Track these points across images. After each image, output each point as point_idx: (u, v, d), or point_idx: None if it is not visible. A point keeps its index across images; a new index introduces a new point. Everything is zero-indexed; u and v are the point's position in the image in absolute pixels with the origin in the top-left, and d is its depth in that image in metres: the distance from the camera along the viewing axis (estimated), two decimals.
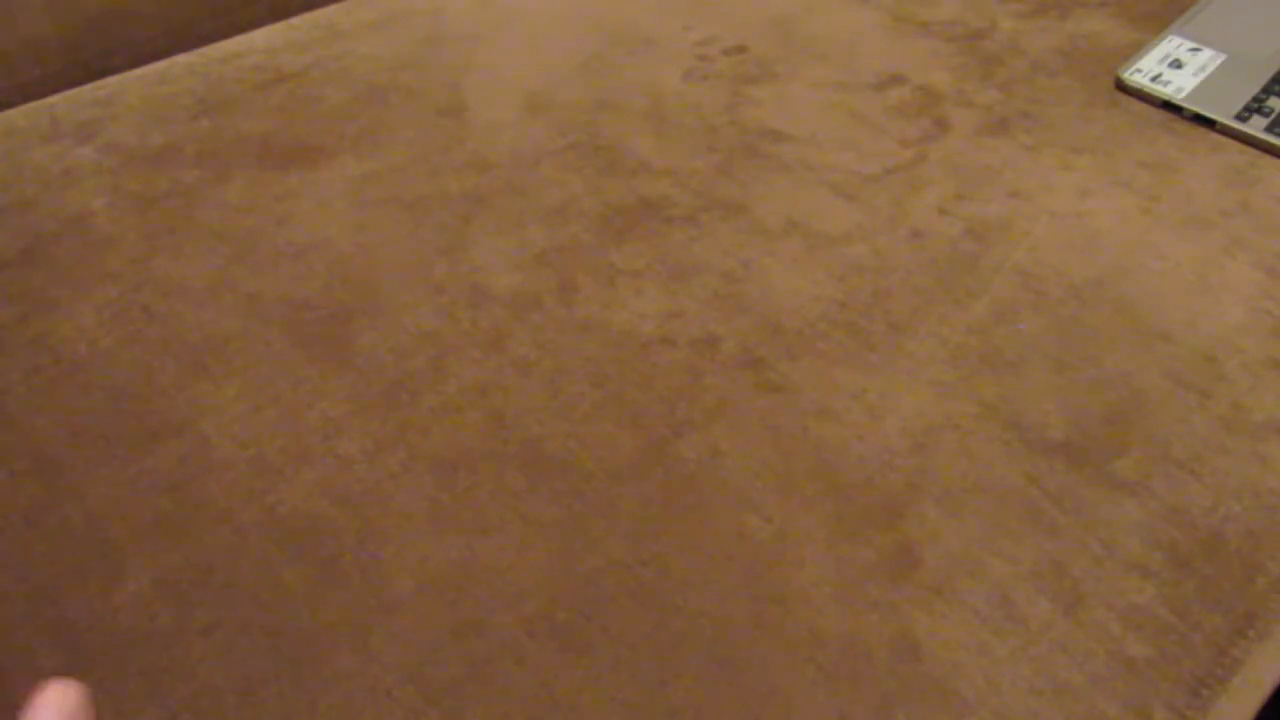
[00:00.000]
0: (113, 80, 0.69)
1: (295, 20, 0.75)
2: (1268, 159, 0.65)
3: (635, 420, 0.49)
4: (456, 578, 0.43)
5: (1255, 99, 0.68)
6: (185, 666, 0.40)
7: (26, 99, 0.67)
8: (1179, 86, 0.69)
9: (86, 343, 0.52)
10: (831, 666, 0.41)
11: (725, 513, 0.46)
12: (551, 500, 0.46)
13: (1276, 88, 0.69)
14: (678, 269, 0.57)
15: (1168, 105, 0.69)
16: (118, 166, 0.61)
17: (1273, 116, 0.67)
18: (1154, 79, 0.70)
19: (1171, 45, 0.74)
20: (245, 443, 0.47)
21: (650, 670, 0.41)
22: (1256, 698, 0.43)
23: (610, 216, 0.59)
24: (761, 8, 0.77)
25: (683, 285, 0.56)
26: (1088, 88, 0.71)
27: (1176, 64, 0.72)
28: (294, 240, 0.57)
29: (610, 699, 0.40)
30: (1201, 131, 0.68)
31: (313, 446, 0.47)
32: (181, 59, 0.71)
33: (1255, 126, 0.66)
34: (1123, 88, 0.71)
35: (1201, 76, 0.70)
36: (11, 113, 0.66)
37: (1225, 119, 0.67)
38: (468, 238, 0.58)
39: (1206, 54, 0.73)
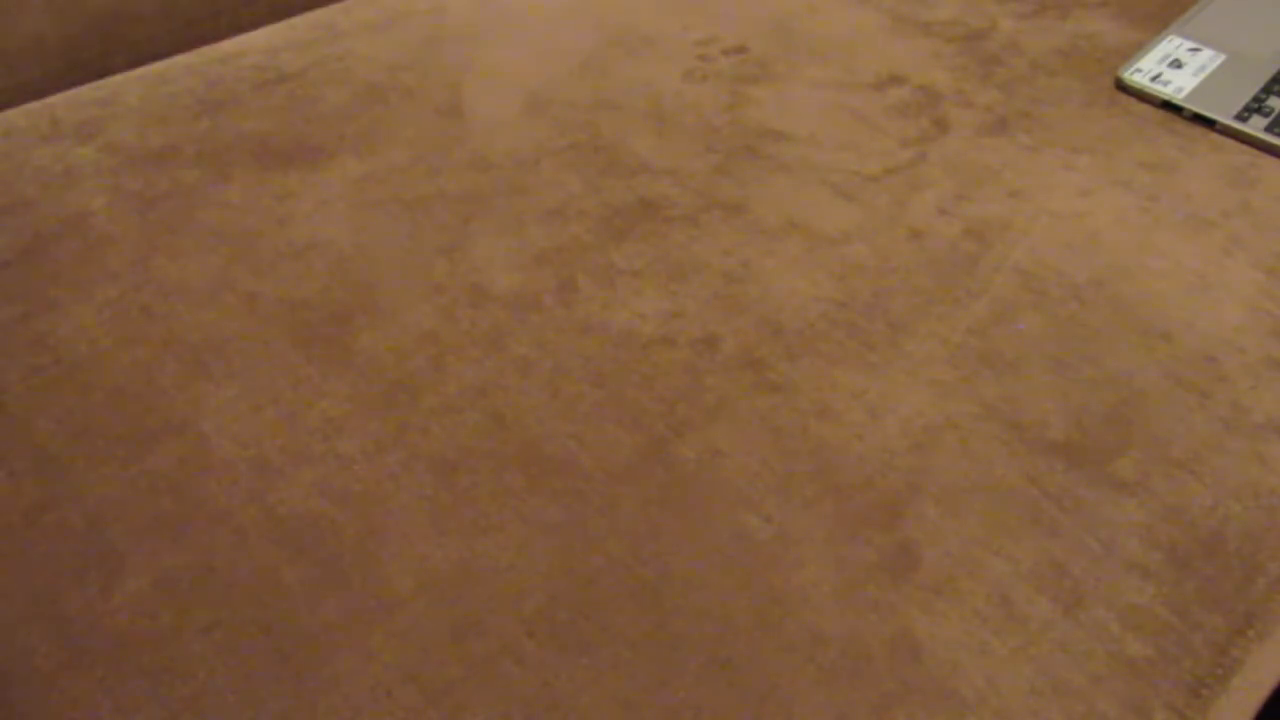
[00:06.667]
0: (113, 80, 0.69)
1: (295, 20, 0.75)
2: (1268, 159, 0.65)
3: (635, 420, 0.49)
4: (456, 578, 0.43)
5: (1255, 99, 0.68)
6: (185, 666, 0.40)
7: (26, 99, 0.67)
8: (1179, 86, 0.69)
9: (86, 343, 0.52)
10: (831, 666, 0.41)
11: (725, 513, 0.46)
12: (551, 500, 0.46)
13: (1276, 88, 0.70)
14: (678, 269, 0.57)
15: (1168, 105, 0.69)
16: (118, 166, 0.61)
17: (1273, 116, 0.67)
18: (1154, 79, 0.70)
19: (1171, 45, 0.74)
20: (245, 443, 0.47)
21: (650, 670, 0.41)
22: (1256, 698, 0.43)
23: (610, 216, 0.59)
24: (761, 8, 0.77)
25: (683, 285, 0.56)
26: (1088, 88, 0.71)
27: (1176, 64, 0.72)
28: (294, 240, 0.57)
29: (610, 699, 0.40)
30: (1201, 131, 0.68)
31: (313, 446, 0.47)
32: (181, 59, 0.71)
33: (1255, 126, 0.66)
34: (1123, 88, 0.71)
35: (1201, 76, 0.70)
36: (11, 113, 0.66)
37: (1225, 119, 0.67)
38: (468, 238, 0.58)
39: (1206, 54, 0.73)
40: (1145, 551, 0.45)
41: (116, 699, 0.39)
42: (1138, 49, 0.73)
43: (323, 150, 0.63)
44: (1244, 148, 0.66)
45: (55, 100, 0.67)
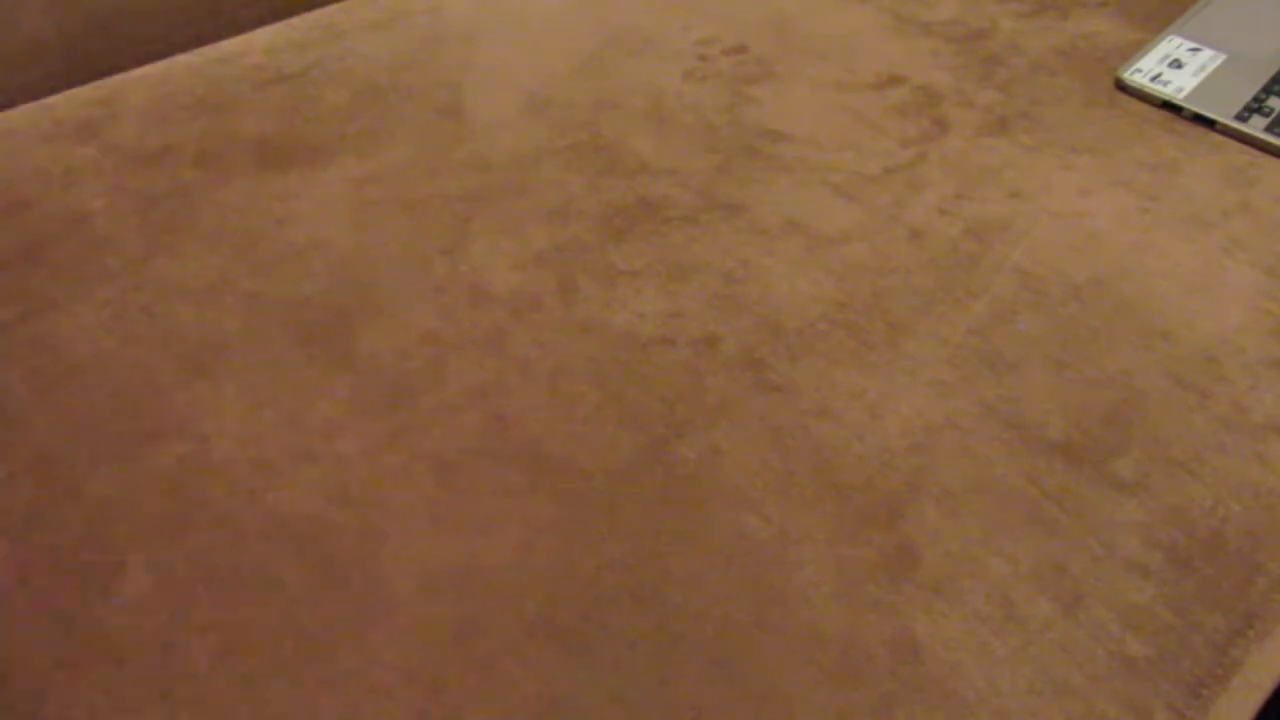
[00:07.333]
0: (113, 80, 0.69)
1: (295, 20, 0.75)
2: (1268, 159, 0.65)
3: (635, 420, 0.49)
4: (456, 578, 0.43)
5: (1255, 99, 0.68)
6: (185, 666, 0.40)
7: (27, 99, 0.67)
8: (1179, 86, 0.69)
9: (86, 343, 0.52)
10: (831, 666, 0.41)
11: (725, 513, 0.46)
12: (551, 500, 0.46)
13: (1276, 88, 0.69)
14: (678, 269, 0.57)
15: (1168, 105, 0.69)
16: (118, 166, 0.61)
17: (1273, 116, 0.67)
18: (1154, 79, 0.70)
19: (1171, 45, 0.74)
20: (245, 443, 0.47)
21: (650, 670, 0.41)
22: (1256, 698, 0.43)
23: (610, 216, 0.59)
24: (761, 8, 0.77)
25: (683, 285, 0.56)
26: (1088, 88, 0.71)
27: (1176, 64, 0.72)
28: (294, 240, 0.57)
29: (610, 699, 0.40)
30: (1201, 131, 0.68)
31: (313, 446, 0.47)
32: (181, 59, 0.71)
33: (1255, 126, 0.66)
34: (1123, 88, 0.71)
35: (1201, 76, 0.70)
36: (11, 113, 0.66)
37: (1225, 119, 0.67)
38: (468, 238, 0.58)
39: (1206, 54, 0.73)
40: (1145, 551, 0.45)
41: (117, 699, 0.39)
42: (1138, 49, 0.73)
43: (323, 150, 0.63)
44: (1244, 148, 0.66)
45: (55, 100, 0.67)
